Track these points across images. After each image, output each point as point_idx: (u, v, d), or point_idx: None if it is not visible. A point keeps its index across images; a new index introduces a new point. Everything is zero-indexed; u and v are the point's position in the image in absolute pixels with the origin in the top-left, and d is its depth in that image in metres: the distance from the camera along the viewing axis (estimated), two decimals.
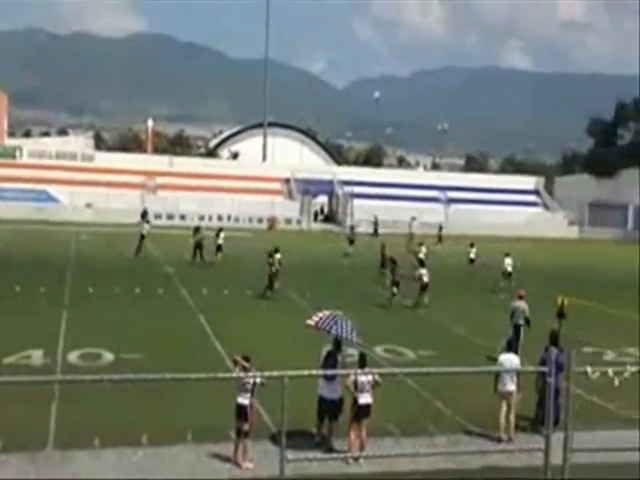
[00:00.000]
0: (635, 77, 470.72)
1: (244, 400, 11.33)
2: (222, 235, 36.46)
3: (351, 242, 43.63)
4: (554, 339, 13.80)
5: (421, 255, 35.01)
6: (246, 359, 11.66)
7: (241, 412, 11.35)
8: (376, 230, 57.52)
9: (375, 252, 36.18)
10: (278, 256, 27.31)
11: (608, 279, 37.36)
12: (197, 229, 36.96)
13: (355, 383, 11.75)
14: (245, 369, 11.39)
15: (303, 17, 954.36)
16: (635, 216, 71.41)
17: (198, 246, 35.69)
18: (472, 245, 38.71)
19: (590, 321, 24.26)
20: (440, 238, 52.95)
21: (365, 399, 11.77)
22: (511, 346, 13.44)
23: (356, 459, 11.34)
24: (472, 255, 38.28)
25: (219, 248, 36.03)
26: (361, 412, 11.77)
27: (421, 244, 36.98)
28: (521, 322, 18.81)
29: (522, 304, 19.08)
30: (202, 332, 20.47)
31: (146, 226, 39.93)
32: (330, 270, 35.97)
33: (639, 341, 20.36)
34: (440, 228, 55.32)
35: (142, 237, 38.25)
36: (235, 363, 11.82)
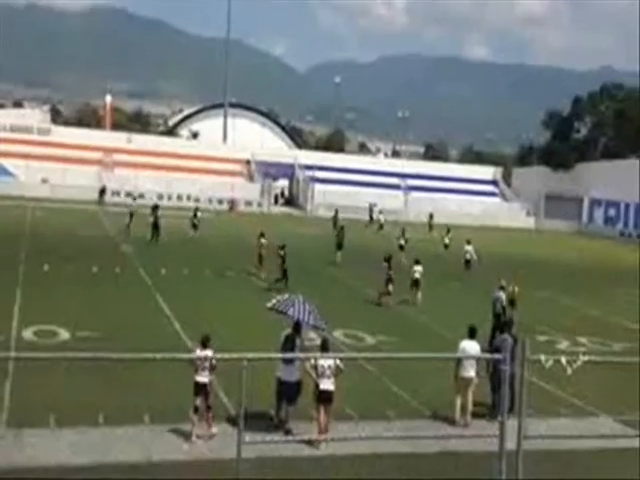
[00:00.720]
0: (589, 72, 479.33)
1: (203, 378, 11.55)
2: (199, 215, 38.85)
3: (336, 226, 44.63)
4: (504, 326, 14.04)
5: (401, 242, 35.99)
6: (205, 340, 11.78)
7: (200, 390, 11.57)
8: (371, 217, 56.91)
9: (361, 237, 36.51)
10: (264, 240, 28.01)
11: (563, 270, 38.07)
12: (155, 207, 36.75)
13: (315, 367, 11.79)
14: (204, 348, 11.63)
15: None
16: (589, 209, 72.81)
17: (156, 225, 35.50)
18: (448, 231, 40.44)
19: (545, 310, 24.73)
20: (431, 226, 53.52)
21: (325, 385, 11.77)
22: (473, 333, 13.61)
23: (313, 442, 11.41)
24: (446, 240, 39.73)
25: (195, 227, 38.15)
26: (322, 397, 11.80)
27: (403, 231, 37.75)
28: (499, 311, 19.19)
29: (501, 294, 19.52)
30: (160, 311, 20.33)
31: (133, 203, 40.66)
32: (304, 253, 35.31)
33: None
34: (431, 216, 55.55)
35: (131, 215, 38.48)
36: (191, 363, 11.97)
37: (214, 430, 11.60)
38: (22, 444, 10.81)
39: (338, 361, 11.90)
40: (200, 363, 11.46)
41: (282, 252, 25.65)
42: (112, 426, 11.64)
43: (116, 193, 57.13)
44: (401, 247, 35.29)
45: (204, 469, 10.56)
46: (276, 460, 10.36)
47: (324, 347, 12.28)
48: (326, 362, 11.74)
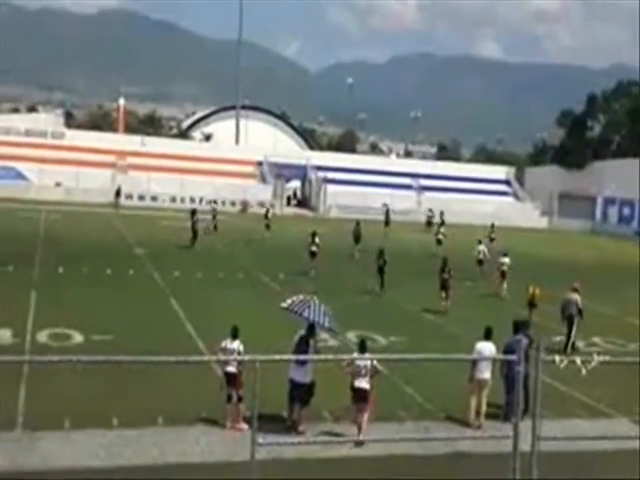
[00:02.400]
0: (603, 70, 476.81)
1: (233, 368, 11.96)
2: (270, 216, 41.60)
3: (388, 224, 46.67)
4: (518, 327, 13.95)
5: (440, 236, 38.71)
6: (234, 331, 12.37)
7: (230, 380, 11.99)
8: (429, 222, 54.07)
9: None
10: (317, 239, 29.48)
11: (577, 269, 37.75)
12: (193, 212, 36.83)
13: (352, 367, 11.92)
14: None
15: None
16: (603, 208, 72.34)
17: (194, 229, 35.69)
18: (492, 227, 42.23)
19: (559, 310, 24.48)
20: (443, 222, 53.76)
21: (360, 383, 11.92)
22: (489, 334, 13.53)
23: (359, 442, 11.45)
24: (493, 235, 41.03)
25: (268, 227, 40.26)
26: (356, 396, 11.91)
27: (442, 224, 40.50)
28: (574, 312, 19.11)
29: (575, 296, 19.38)
30: (174, 314, 20.39)
31: (215, 206, 44.51)
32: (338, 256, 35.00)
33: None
34: (442, 213, 55.57)
35: (214, 217, 41.10)
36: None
37: (242, 425, 11.73)
38: (37, 447, 10.87)
39: (375, 362, 12.00)
40: (228, 354, 11.98)
41: (382, 260, 26.03)
42: (126, 428, 11.69)
43: (129, 196, 57.32)
44: (439, 241, 38.28)
45: (218, 471, 10.57)
46: (289, 462, 10.36)
47: (362, 348, 12.34)
48: (363, 362, 11.88)
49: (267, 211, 42.35)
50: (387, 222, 47.88)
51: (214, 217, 41.49)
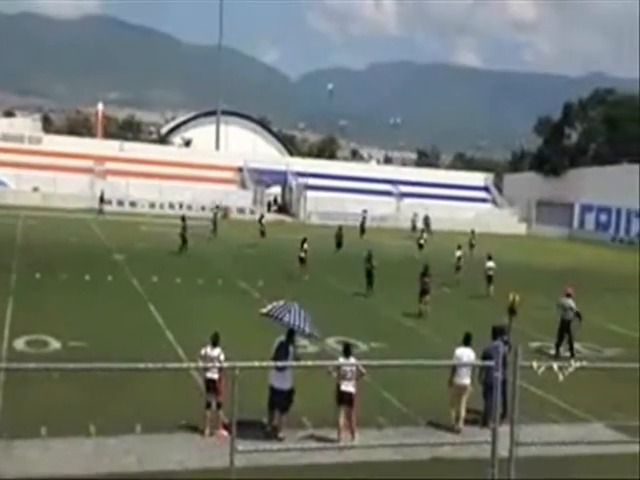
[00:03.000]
0: (580, 78, 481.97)
1: (213, 375, 11.92)
2: (264, 221, 41.98)
3: (363, 230, 47.43)
4: (496, 334, 14.03)
5: (421, 241, 40.07)
6: (215, 338, 12.33)
7: (210, 386, 11.97)
8: (414, 226, 55.85)
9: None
10: (306, 246, 30.34)
11: (555, 275, 38.07)
12: (183, 218, 36.60)
13: (338, 369, 11.97)
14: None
15: (257, 6, 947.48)
16: (581, 215, 73.00)
17: (183, 235, 35.48)
18: (473, 233, 43.51)
19: (537, 316, 24.66)
20: (428, 227, 54.58)
21: (347, 387, 11.98)
22: (468, 340, 13.60)
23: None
24: (473, 241, 42.61)
25: (263, 234, 40.38)
26: (343, 399, 11.96)
27: (423, 231, 41.68)
28: (570, 318, 19.15)
29: (569, 301, 19.42)
30: (152, 320, 20.27)
31: (217, 211, 45.44)
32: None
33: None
34: (426, 217, 56.31)
35: (214, 222, 42.10)
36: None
37: (222, 432, 11.68)
38: (14, 455, 10.74)
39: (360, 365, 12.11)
40: (209, 361, 11.95)
41: (370, 264, 26.71)
42: (104, 436, 11.59)
43: (108, 202, 56.89)
44: (420, 246, 39.43)
45: (197, 478, 10.51)
46: (269, 469, 10.33)
47: (347, 352, 12.38)
48: (349, 366, 11.95)
49: (261, 217, 42.52)
50: (363, 230, 48.03)
51: (215, 223, 41.51)
